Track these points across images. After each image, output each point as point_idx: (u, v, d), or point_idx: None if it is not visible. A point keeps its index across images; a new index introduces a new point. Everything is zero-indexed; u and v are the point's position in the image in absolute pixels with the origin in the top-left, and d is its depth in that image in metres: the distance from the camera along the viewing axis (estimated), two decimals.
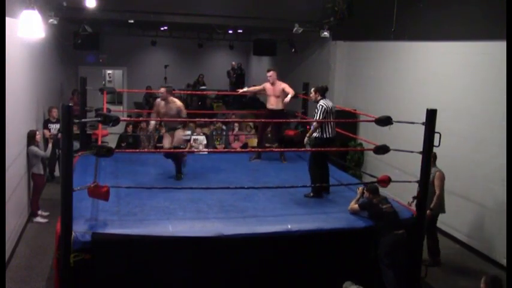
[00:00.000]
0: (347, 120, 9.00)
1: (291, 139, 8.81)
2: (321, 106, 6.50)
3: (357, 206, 5.79)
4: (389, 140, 6.68)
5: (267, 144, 9.02)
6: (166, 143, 7.28)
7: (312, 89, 6.84)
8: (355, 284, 5.31)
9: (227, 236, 5.19)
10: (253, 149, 9.51)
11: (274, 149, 8.57)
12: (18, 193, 7.29)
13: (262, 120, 8.44)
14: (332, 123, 6.57)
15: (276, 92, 8.17)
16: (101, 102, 8.25)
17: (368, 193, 5.78)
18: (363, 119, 9.44)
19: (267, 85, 8.32)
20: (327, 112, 6.47)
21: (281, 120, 7.92)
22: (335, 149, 7.45)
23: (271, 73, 8.25)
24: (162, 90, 7.11)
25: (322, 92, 6.66)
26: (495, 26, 7.01)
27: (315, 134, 6.56)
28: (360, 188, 6.02)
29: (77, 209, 4.94)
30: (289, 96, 8.00)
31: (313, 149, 6.65)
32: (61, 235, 4.74)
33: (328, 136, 6.52)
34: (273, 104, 8.28)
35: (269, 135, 8.98)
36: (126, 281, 5.06)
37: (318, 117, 6.48)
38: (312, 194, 6.54)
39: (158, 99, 7.26)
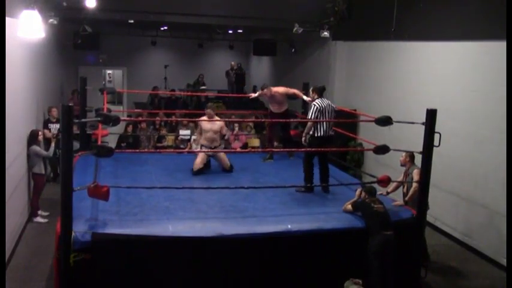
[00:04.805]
0: (347, 120, 9.00)
1: (291, 139, 8.85)
2: (313, 105, 6.61)
3: (350, 206, 5.82)
4: (389, 140, 6.68)
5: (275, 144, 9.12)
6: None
7: (310, 89, 7.06)
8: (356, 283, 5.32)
9: (227, 236, 5.18)
10: (253, 149, 9.52)
11: (274, 149, 8.60)
12: (18, 193, 7.29)
13: (262, 120, 8.46)
14: (327, 122, 6.57)
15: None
16: (101, 102, 8.23)
17: (363, 193, 5.83)
18: (363, 119, 9.44)
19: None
20: (319, 111, 6.53)
21: (280, 120, 7.97)
22: (335, 149, 7.46)
23: None
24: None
25: (319, 91, 6.78)
26: (495, 26, 7.01)
27: (310, 133, 6.62)
28: (358, 190, 6.04)
29: (77, 209, 4.94)
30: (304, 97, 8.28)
31: (311, 149, 6.63)
32: (61, 235, 4.74)
33: (319, 135, 6.54)
34: None
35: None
36: (126, 281, 5.06)
37: (309, 117, 6.61)
38: (303, 189, 6.60)
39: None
